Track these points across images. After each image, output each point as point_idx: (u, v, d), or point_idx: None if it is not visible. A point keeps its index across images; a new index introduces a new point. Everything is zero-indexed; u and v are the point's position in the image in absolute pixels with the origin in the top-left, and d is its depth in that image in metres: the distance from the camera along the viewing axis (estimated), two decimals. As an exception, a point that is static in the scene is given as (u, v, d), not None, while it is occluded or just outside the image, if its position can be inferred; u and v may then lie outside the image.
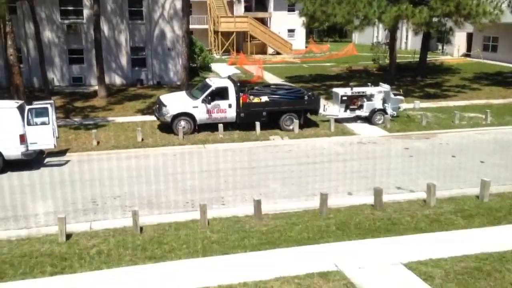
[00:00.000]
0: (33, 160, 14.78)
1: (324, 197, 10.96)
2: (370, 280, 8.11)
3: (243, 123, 18.40)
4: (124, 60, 28.67)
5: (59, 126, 16.40)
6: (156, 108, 19.15)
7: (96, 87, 25.49)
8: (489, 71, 33.80)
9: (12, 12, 22.32)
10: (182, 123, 17.86)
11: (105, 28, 27.62)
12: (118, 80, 28.75)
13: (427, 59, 32.73)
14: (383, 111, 19.56)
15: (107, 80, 26.17)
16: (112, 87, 27.16)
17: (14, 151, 13.99)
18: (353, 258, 8.86)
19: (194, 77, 29.35)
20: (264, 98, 18.85)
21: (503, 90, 26.81)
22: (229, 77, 20.48)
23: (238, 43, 46.47)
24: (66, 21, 27.52)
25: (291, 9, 48.71)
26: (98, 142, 16.88)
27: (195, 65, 32.24)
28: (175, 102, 18.32)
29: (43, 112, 14.23)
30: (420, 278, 8.14)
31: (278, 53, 46.30)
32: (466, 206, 11.32)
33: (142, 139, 17.31)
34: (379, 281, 8.09)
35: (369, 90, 19.99)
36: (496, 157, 15.30)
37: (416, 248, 9.25)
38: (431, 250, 9.12)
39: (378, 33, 53.05)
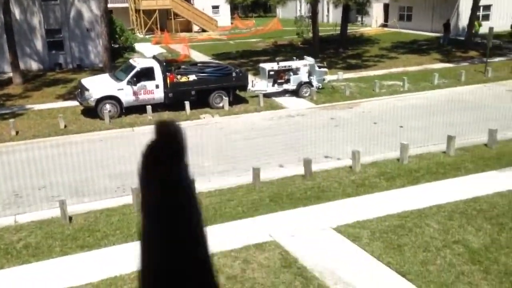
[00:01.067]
0: None
1: (256, 172, 11.19)
2: (303, 245, 8.48)
3: (172, 103, 18.10)
4: (39, 43, 26.92)
5: (-30, 118, 15.25)
6: (78, 92, 18.31)
7: (11, 74, 23.80)
8: (405, 40, 35.54)
9: None
10: (108, 106, 17.24)
11: (16, 11, 25.65)
12: (34, 65, 27.01)
13: (348, 31, 33.80)
14: (309, 83, 20.07)
15: (22, 65, 24.50)
16: (28, 73, 25.48)
17: None
18: (287, 227, 9.19)
19: (117, 58, 28.25)
20: (192, 77, 18.62)
21: (418, 58, 28.39)
22: (155, 57, 19.98)
23: (162, 21, 45.19)
24: (-31, 4, 25.26)
25: (213, -16, 48.04)
26: (17, 132, 15.91)
27: (117, 45, 31.03)
28: (98, 85, 17.61)
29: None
30: (349, 240, 8.63)
31: (203, 31, 45.66)
32: (388, 169, 12.05)
33: (65, 126, 16.54)
34: (311, 245, 8.48)
35: (294, 64, 20.38)
36: (414, 122, 16.32)
37: (344, 212, 9.77)
38: (358, 212, 9.67)
39: (301, 7, 53.82)
